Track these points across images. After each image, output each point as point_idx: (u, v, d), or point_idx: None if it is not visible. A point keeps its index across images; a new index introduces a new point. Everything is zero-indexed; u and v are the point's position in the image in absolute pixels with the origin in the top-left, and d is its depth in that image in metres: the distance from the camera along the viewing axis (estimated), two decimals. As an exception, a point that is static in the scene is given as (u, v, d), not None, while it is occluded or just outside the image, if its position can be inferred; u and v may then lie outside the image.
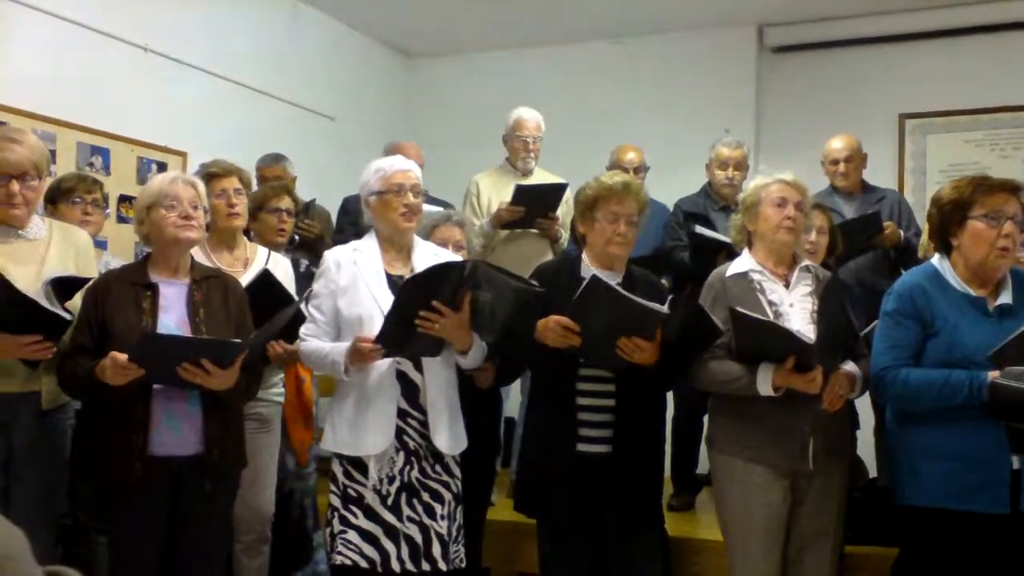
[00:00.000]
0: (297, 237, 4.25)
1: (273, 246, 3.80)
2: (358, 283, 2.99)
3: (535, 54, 6.67)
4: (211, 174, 3.46)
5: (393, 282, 2.97)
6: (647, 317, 2.85)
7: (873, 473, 4.16)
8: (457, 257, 3.18)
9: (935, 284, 2.88)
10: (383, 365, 2.93)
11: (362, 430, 2.92)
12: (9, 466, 2.84)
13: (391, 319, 2.80)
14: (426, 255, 3.10)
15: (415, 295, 2.80)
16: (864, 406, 3.14)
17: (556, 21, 6.31)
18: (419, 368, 2.97)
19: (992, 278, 2.87)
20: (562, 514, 3.10)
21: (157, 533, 2.81)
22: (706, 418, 3.23)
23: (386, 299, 2.90)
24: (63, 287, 2.81)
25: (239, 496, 3.11)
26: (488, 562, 3.85)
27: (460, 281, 2.83)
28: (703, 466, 3.77)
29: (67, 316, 2.76)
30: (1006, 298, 2.83)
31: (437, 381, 2.99)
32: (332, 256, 3.09)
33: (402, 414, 2.95)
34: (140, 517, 2.79)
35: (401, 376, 2.96)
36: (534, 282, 2.99)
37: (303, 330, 3.04)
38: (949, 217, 2.88)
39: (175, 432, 2.80)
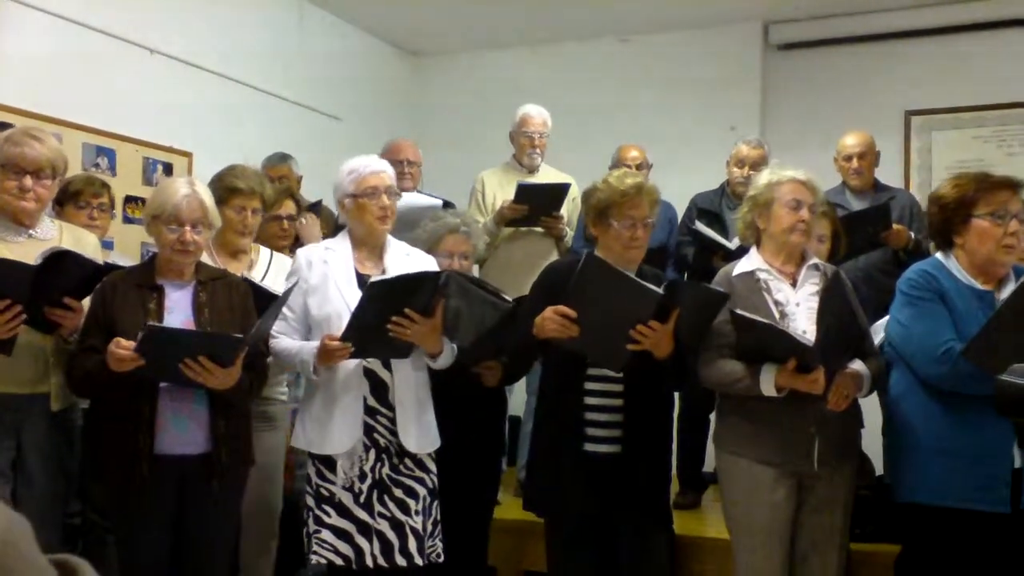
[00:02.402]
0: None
1: (279, 250, 3.80)
2: (328, 282, 3.00)
3: (541, 52, 6.67)
4: (235, 189, 3.34)
5: (363, 281, 2.96)
6: (643, 297, 2.79)
7: (880, 471, 4.14)
8: (429, 260, 3.19)
9: (943, 277, 2.89)
10: (350, 364, 2.93)
11: (329, 428, 2.94)
12: (18, 466, 2.86)
13: (356, 318, 2.80)
14: (398, 255, 3.11)
15: (383, 298, 2.81)
16: (867, 404, 3.13)
17: (562, 19, 6.31)
18: (388, 366, 2.98)
19: (996, 274, 2.88)
20: (570, 514, 3.09)
21: (165, 532, 2.82)
22: (713, 416, 3.22)
23: (355, 298, 2.89)
24: (65, 272, 2.76)
25: (246, 493, 3.12)
26: (494, 561, 3.85)
27: (434, 290, 2.85)
28: (710, 464, 3.76)
29: (27, 263, 2.66)
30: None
31: (406, 379, 2.99)
32: (304, 255, 3.10)
33: (371, 411, 2.96)
34: (148, 516, 2.80)
35: (370, 374, 2.97)
36: (507, 297, 3.00)
37: (273, 328, 3.02)
38: (953, 215, 2.88)
39: (182, 431, 2.81)
